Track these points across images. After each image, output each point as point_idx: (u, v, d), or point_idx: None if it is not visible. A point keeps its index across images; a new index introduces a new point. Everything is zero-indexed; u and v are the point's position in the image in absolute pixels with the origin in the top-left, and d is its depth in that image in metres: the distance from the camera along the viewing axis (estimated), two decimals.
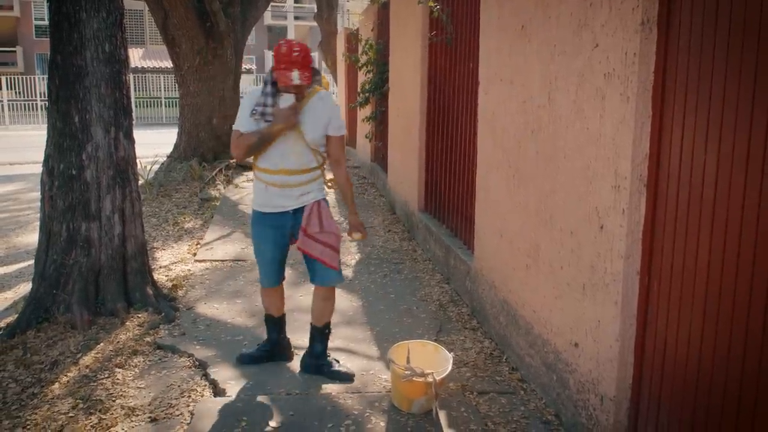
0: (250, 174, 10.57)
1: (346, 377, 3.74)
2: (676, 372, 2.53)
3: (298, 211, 3.59)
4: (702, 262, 2.37)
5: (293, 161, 3.53)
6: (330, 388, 3.64)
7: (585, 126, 3.02)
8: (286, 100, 3.50)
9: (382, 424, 3.27)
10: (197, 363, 3.94)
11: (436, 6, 5.70)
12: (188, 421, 3.27)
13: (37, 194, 4.86)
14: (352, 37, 12.83)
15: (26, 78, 28.85)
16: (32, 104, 27.46)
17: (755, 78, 2.10)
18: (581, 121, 3.06)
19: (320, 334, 3.81)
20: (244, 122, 3.56)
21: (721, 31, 2.26)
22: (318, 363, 3.80)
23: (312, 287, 3.80)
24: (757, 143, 2.09)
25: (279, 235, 3.65)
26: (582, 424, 3.10)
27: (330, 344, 4.17)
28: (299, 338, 4.29)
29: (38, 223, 4.79)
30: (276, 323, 3.95)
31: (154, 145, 13.80)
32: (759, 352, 2.11)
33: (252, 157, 3.66)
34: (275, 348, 3.97)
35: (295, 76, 3.40)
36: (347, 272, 5.77)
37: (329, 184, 3.78)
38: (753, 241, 2.12)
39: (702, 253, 2.37)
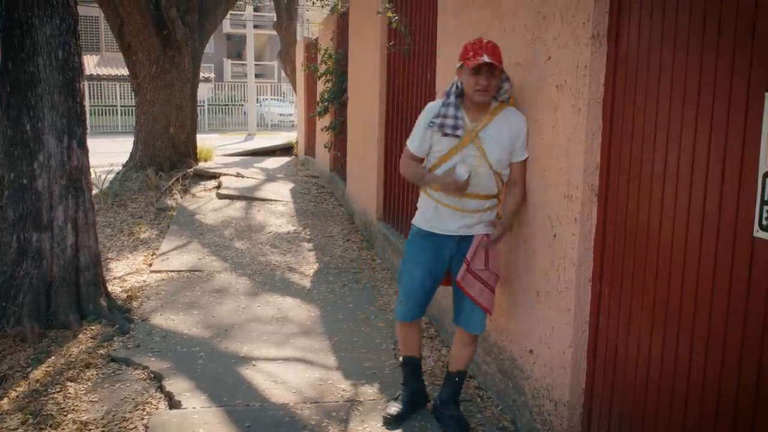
0: (208, 184, 10.49)
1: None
2: (626, 377, 2.59)
3: (464, 241, 3.20)
4: (651, 268, 2.44)
5: (474, 183, 3.12)
6: (287, 398, 3.62)
7: (540, 137, 3.08)
8: (463, 172, 3.06)
9: None
10: (152, 375, 3.88)
11: (394, 16, 5.74)
12: None
13: None
14: (312, 47, 12.85)
15: None
16: None
17: (699, 92, 2.18)
18: (536, 132, 3.12)
19: (449, 380, 3.42)
20: (416, 140, 3.26)
21: (668, 44, 2.33)
22: (439, 410, 3.41)
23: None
24: (702, 153, 2.17)
25: (437, 262, 3.29)
26: (537, 429, 3.15)
27: (286, 354, 4.15)
28: (255, 348, 4.26)
29: None
30: (417, 366, 3.55)
31: (109, 154, 13.54)
32: (705, 356, 2.17)
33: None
34: (415, 396, 3.51)
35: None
36: (305, 282, 5.76)
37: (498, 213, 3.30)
38: (699, 248, 2.19)
39: (651, 259, 2.44)
